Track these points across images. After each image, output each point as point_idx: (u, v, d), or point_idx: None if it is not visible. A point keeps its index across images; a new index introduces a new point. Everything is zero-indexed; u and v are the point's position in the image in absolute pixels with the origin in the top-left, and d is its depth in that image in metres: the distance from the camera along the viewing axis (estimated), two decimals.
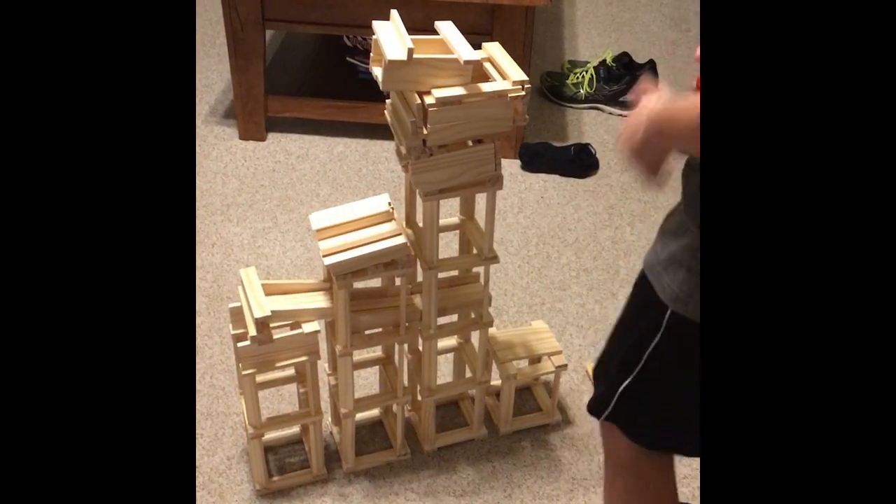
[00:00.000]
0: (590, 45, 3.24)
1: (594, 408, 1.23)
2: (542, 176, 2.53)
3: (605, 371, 1.22)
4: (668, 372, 1.10)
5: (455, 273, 1.65)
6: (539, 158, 2.55)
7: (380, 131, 2.47)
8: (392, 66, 1.28)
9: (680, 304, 1.04)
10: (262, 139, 2.62)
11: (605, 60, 2.84)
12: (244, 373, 1.50)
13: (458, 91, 1.32)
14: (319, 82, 2.79)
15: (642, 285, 1.11)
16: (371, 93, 1.75)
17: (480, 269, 1.61)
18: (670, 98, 0.96)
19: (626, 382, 1.14)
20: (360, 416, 1.72)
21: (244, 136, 2.62)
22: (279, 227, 2.30)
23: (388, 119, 1.47)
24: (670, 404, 1.13)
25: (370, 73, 1.38)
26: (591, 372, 1.92)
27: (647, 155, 1.00)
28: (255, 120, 2.59)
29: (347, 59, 2.79)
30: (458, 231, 1.65)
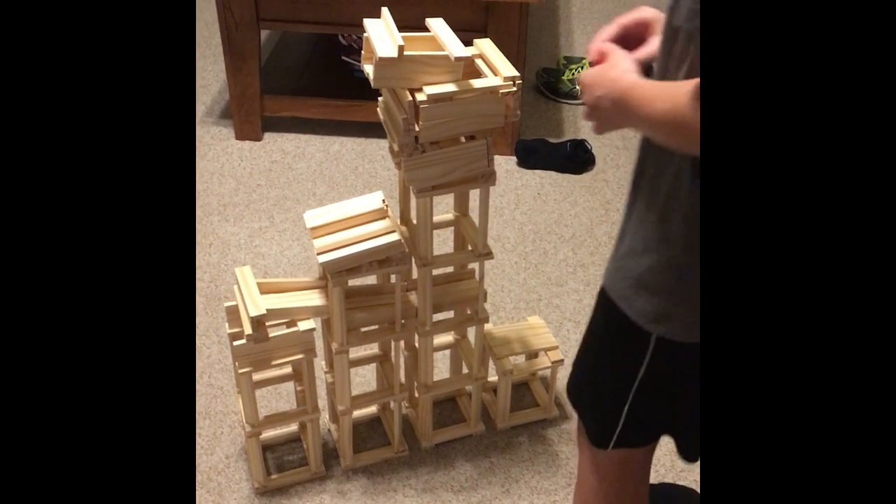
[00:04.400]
0: (585, 40, 3.24)
1: (599, 442, 1.18)
2: (539, 172, 2.54)
3: (595, 402, 1.18)
4: (666, 384, 1.08)
5: (450, 269, 1.65)
6: (535, 154, 2.55)
7: (375, 130, 2.48)
8: (383, 64, 1.28)
9: (661, 326, 1.02)
10: (259, 139, 2.63)
11: None
12: (241, 371, 1.50)
13: (450, 88, 1.32)
14: (315, 81, 2.80)
15: (609, 307, 1.07)
16: (366, 91, 1.75)
17: (476, 266, 1.61)
18: (632, 76, 0.96)
19: (626, 409, 1.11)
20: (357, 413, 1.72)
21: (240, 136, 2.63)
22: (276, 227, 2.30)
23: (381, 117, 1.47)
24: (672, 408, 1.11)
25: None
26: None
27: (606, 121, 1.00)
28: (250, 120, 2.59)
29: (342, 57, 2.80)
30: (453, 227, 1.65)
